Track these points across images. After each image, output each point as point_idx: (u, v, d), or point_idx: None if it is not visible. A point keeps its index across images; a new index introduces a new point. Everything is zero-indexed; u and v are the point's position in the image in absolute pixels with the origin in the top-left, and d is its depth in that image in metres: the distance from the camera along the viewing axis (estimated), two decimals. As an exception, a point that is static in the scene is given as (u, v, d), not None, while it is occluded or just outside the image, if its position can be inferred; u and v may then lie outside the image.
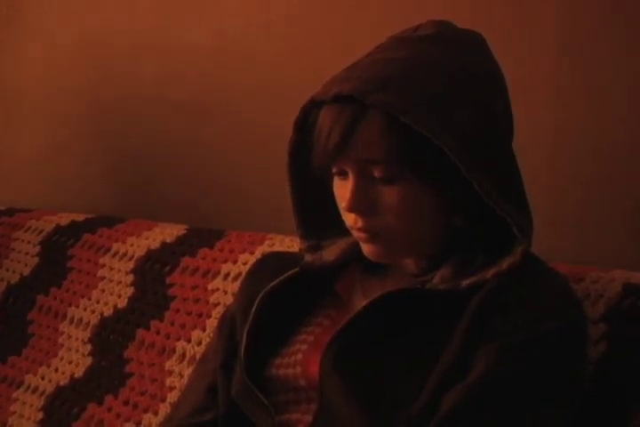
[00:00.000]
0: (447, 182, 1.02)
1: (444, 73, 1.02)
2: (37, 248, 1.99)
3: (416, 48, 1.04)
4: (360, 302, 1.10)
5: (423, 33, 1.06)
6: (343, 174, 1.05)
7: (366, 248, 1.07)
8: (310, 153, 1.08)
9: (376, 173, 1.02)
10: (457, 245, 1.07)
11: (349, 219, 1.06)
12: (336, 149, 1.02)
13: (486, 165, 1.00)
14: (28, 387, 1.81)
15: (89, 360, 1.73)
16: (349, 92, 1.00)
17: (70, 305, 1.82)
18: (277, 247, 1.54)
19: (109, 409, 1.63)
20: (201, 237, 1.71)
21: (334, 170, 1.06)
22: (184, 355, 1.56)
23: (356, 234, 1.07)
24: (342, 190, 1.05)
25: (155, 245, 1.75)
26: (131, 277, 1.74)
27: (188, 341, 1.57)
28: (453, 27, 1.09)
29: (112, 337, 1.71)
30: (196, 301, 1.60)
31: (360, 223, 1.04)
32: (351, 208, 1.03)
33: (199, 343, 1.54)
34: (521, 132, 1.10)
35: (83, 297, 1.81)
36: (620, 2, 1.36)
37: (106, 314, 1.74)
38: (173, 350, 1.58)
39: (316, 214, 1.17)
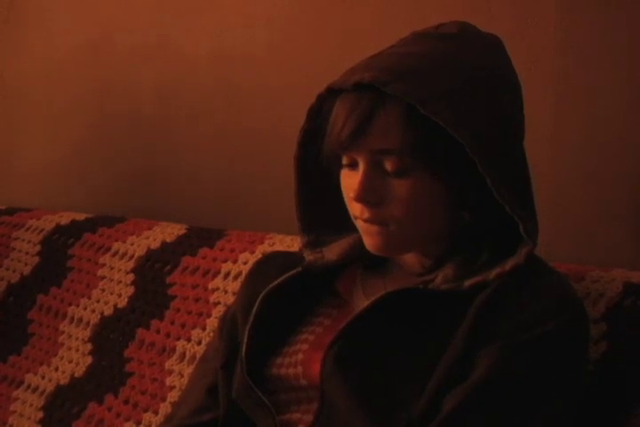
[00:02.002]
0: (458, 179, 1.02)
1: (463, 71, 1.03)
2: (38, 247, 1.99)
3: (437, 44, 1.05)
4: (361, 302, 1.10)
5: (445, 31, 1.07)
6: (353, 166, 1.05)
7: (368, 240, 1.07)
8: (318, 144, 1.07)
9: (388, 166, 1.02)
10: (461, 245, 1.07)
11: (356, 209, 1.06)
12: (351, 136, 1.01)
13: (498, 164, 1.00)
14: (29, 386, 1.81)
15: (89, 359, 1.73)
16: (370, 80, 1.00)
17: (70, 304, 1.82)
18: (278, 247, 1.54)
19: (109, 408, 1.63)
20: (201, 237, 1.70)
21: (345, 161, 1.06)
22: (184, 354, 1.56)
23: (360, 224, 1.07)
24: (351, 180, 1.05)
25: (155, 244, 1.75)
26: (131, 277, 1.74)
27: (189, 340, 1.56)
28: (474, 28, 1.09)
29: (112, 336, 1.71)
30: (197, 300, 1.59)
31: (366, 214, 1.04)
32: (359, 198, 1.03)
33: (199, 343, 1.54)
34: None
35: (83, 296, 1.81)
36: (621, 1, 1.36)
37: (106, 313, 1.74)
38: (173, 350, 1.58)
39: (317, 210, 1.17)
